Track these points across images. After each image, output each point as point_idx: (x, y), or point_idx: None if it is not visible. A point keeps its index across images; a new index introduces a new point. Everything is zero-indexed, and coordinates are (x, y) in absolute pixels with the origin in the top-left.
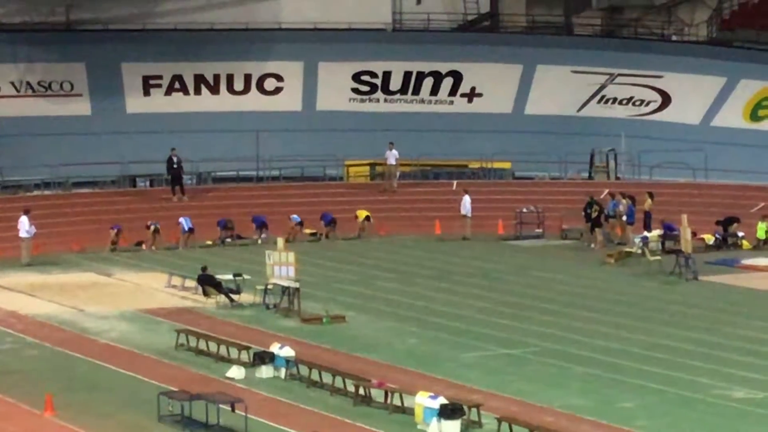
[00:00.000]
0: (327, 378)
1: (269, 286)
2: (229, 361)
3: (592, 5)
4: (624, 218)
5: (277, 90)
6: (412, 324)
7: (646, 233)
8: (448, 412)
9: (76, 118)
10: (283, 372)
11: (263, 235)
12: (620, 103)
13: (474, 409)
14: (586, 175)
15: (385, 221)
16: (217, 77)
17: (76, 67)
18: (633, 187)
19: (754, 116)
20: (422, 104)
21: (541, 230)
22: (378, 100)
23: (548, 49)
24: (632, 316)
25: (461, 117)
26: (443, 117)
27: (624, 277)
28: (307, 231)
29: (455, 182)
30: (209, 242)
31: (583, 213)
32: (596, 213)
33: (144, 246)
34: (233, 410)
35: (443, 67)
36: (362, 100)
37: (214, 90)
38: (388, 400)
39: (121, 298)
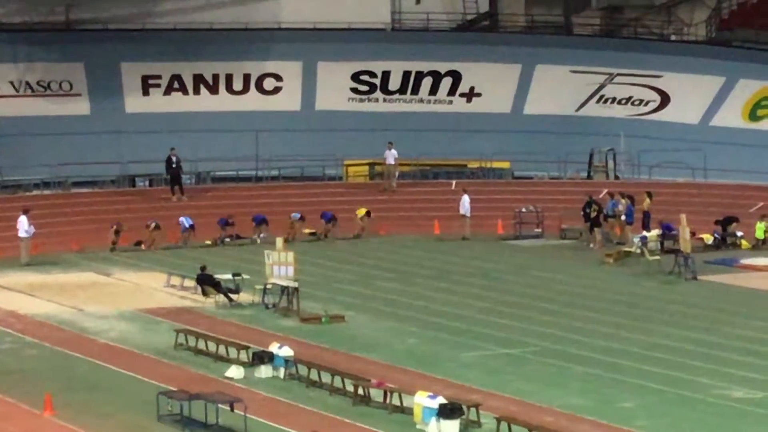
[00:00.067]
0: (326, 378)
1: (268, 286)
2: (228, 361)
3: (591, 5)
4: (623, 218)
5: (276, 90)
6: (412, 324)
7: (645, 233)
8: (447, 411)
9: (76, 118)
10: (282, 372)
11: (262, 234)
12: (619, 102)
13: (473, 409)
14: (585, 174)
15: (385, 221)
16: (216, 77)
17: (76, 67)
18: (632, 186)
19: (753, 116)
20: (421, 104)
21: (540, 230)
22: (377, 100)
23: (547, 48)
24: (631, 315)
25: (460, 117)
26: (442, 117)
27: (623, 276)
28: (307, 231)
29: (454, 182)
30: (208, 242)
31: (582, 213)
32: (595, 213)
33: (143, 245)
34: (232, 410)
35: (442, 67)
36: (361, 100)
37: (214, 90)
38: (388, 400)
39: (121, 298)
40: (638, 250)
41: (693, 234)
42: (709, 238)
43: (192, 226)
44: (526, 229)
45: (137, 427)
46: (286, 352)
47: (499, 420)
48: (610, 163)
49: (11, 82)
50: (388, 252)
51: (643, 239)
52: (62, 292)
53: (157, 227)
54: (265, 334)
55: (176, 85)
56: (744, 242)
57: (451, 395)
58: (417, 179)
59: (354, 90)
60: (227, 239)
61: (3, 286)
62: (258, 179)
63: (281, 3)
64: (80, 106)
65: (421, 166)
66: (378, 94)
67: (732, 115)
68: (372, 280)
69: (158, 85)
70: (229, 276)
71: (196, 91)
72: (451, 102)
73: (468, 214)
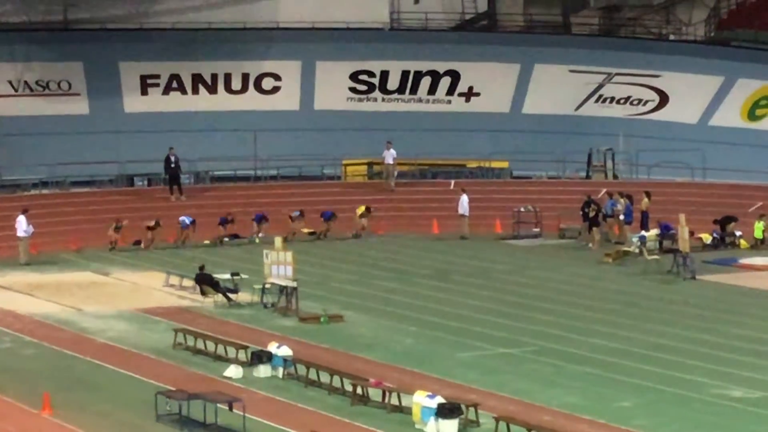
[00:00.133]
0: (325, 377)
1: (267, 286)
2: (227, 361)
3: (589, 4)
4: (622, 217)
5: (275, 89)
6: (410, 323)
7: (643, 232)
8: (445, 411)
9: (74, 118)
10: (280, 371)
11: (260, 234)
12: (618, 102)
13: (471, 409)
14: (584, 174)
15: (383, 220)
16: (214, 76)
17: (74, 67)
18: (631, 186)
19: (752, 115)
20: (420, 103)
21: (538, 229)
22: (376, 100)
23: (546, 48)
24: (630, 315)
25: (459, 116)
26: (441, 116)
27: (622, 276)
28: (305, 230)
29: (453, 181)
30: (207, 242)
31: (580, 212)
32: (594, 212)
33: (143, 244)
34: (231, 409)
35: (441, 67)
36: (360, 100)
37: (212, 89)
38: (386, 400)
39: (119, 298)
40: (637, 250)
41: (692, 233)
42: (707, 238)
43: (193, 222)
44: (525, 228)
45: (136, 426)
46: (285, 351)
47: (497, 419)
48: (609, 163)
49: (10, 82)
50: (386, 251)
51: (642, 239)
52: (61, 291)
53: (157, 224)
54: (264, 333)
55: (175, 84)
56: (743, 242)
57: (449, 395)
58: (416, 179)
59: (353, 90)
60: (226, 239)
61: (2, 286)
62: (256, 179)
63: (280, 2)
64: (79, 106)
65: (419, 165)
66: (377, 93)
67: (731, 115)
68: (371, 280)
69: (157, 85)
70: (227, 275)
71: (195, 91)
72: (449, 101)
73: (467, 214)
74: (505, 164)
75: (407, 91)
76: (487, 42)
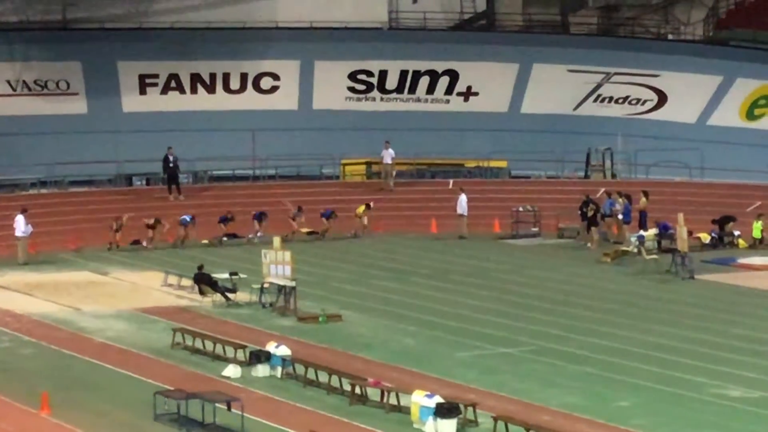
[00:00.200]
0: (323, 377)
1: (265, 285)
2: (225, 360)
3: (588, 4)
4: (620, 217)
5: (274, 89)
6: (409, 323)
7: (642, 232)
8: (444, 411)
9: (73, 117)
10: (279, 371)
11: (260, 233)
12: (616, 102)
13: (470, 408)
14: (583, 174)
15: (382, 220)
16: (213, 76)
17: (73, 66)
18: (629, 185)
19: (751, 115)
20: (418, 103)
21: (537, 229)
22: (374, 99)
23: (544, 47)
24: (628, 314)
25: (457, 116)
26: (439, 116)
27: (620, 275)
28: (304, 230)
29: (451, 181)
30: (205, 241)
31: (579, 212)
32: (592, 212)
33: (145, 242)
34: (229, 409)
35: (439, 66)
36: (358, 99)
37: (211, 89)
38: (385, 399)
39: (118, 297)
40: (635, 249)
41: (690, 233)
42: (706, 237)
43: (193, 218)
44: (524, 228)
45: (134, 426)
46: (283, 351)
47: (496, 419)
48: (608, 163)
49: (8, 81)
50: (385, 251)
51: (641, 238)
52: (59, 291)
53: (157, 222)
54: (262, 333)
55: (173, 84)
56: (741, 241)
57: (448, 394)
58: (414, 178)
59: (351, 89)
60: (224, 238)
61: (0, 286)
62: (255, 178)
63: (278, 2)
64: (77, 105)
65: (418, 165)
66: (375, 93)
67: (729, 114)
68: (369, 279)
69: (155, 84)
70: (226, 275)
71: (193, 90)
72: (448, 101)
73: (465, 214)
74: (503, 164)
75: (406, 90)
76: (485, 41)
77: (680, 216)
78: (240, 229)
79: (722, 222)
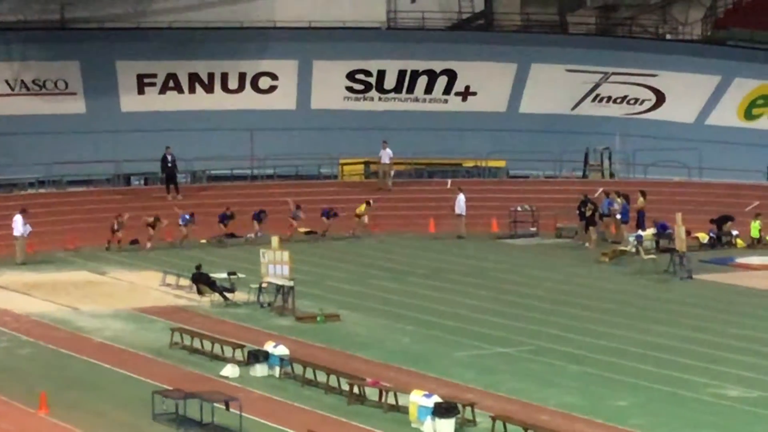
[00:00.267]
0: (321, 376)
1: (264, 285)
2: (224, 360)
3: (586, 4)
4: (618, 217)
5: (272, 88)
6: (407, 322)
7: (640, 232)
8: (442, 410)
9: (71, 117)
10: (277, 370)
11: (259, 233)
12: (615, 101)
13: (468, 408)
14: (581, 173)
15: (380, 220)
16: (211, 76)
17: (71, 66)
18: (627, 185)
19: (749, 115)
20: (416, 103)
21: (535, 229)
22: (372, 99)
23: (543, 47)
24: (626, 314)
25: (455, 115)
26: (437, 116)
27: (618, 275)
28: (302, 230)
29: (450, 181)
30: (203, 241)
31: (577, 211)
32: (590, 211)
33: (149, 245)
34: (227, 409)
35: (437, 66)
36: (357, 99)
37: (209, 88)
38: (383, 399)
39: (116, 297)
40: (633, 249)
41: (688, 233)
42: (704, 237)
43: (192, 214)
44: (522, 227)
45: (132, 425)
46: (282, 350)
47: (494, 419)
48: (606, 162)
49: (6, 81)
50: (383, 251)
51: (639, 238)
52: (57, 290)
53: (157, 220)
54: (261, 332)
55: (171, 83)
56: (739, 241)
57: (446, 394)
58: (412, 178)
59: (349, 89)
60: (222, 238)
61: None
62: (253, 178)
63: (276, 1)
64: (75, 105)
65: (416, 165)
66: (373, 93)
67: (727, 114)
68: (367, 279)
69: (153, 84)
70: (224, 275)
71: (192, 90)
72: (446, 101)
73: (463, 213)
74: (501, 163)
75: (404, 90)
76: (483, 41)
77: (678, 216)
78: (239, 228)
79: (720, 222)
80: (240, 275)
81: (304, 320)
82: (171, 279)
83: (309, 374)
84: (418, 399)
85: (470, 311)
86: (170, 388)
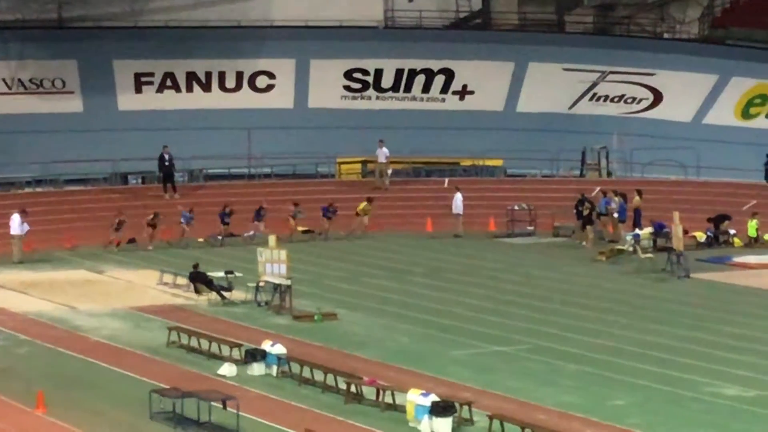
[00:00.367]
0: (318, 375)
1: (261, 284)
2: (221, 359)
3: (583, 3)
4: (615, 216)
5: (269, 87)
6: (404, 321)
7: (637, 231)
8: (439, 409)
9: (68, 116)
10: (274, 369)
11: (260, 232)
12: (612, 100)
13: (465, 407)
14: (578, 172)
15: (377, 219)
16: (208, 75)
17: (68, 65)
18: (625, 184)
19: (746, 114)
20: (414, 102)
21: (532, 228)
22: (370, 98)
23: (540, 46)
24: (624, 313)
25: (453, 114)
26: (435, 114)
27: (615, 274)
28: (300, 229)
29: (447, 180)
30: (201, 240)
31: (574, 210)
32: (588, 210)
33: (150, 246)
34: (225, 407)
35: (435, 65)
36: (354, 98)
37: (206, 87)
38: (380, 398)
39: (113, 296)
40: (631, 248)
41: (685, 232)
42: (701, 236)
43: (191, 211)
44: (519, 226)
45: (129, 424)
46: (279, 349)
47: (491, 418)
48: (603, 161)
49: (3, 80)
50: (380, 250)
51: (636, 237)
52: (54, 289)
53: (156, 217)
54: (258, 331)
55: (169, 82)
56: (736, 240)
57: (443, 393)
58: (410, 177)
59: (347, 88)
60: (219, 237)
61: None
62: (251, 177)
63: (273, 1)
64: (73, 104)
65: (413, 163)
66: (371, 91)
67: (725, 113)
68: (364, 278)
69: (151, 83)
70: (221, 274)
71: (189, 89)
72: (443, 100)
73: (461, 212)
74: (499, 162)
75: (401, 89)
76: (481, 40)
77: (675, 214)
78: (237, 227)
79: (717, 221)
80: (237, 274)
81: (301, 319)
82: (168, 278)
83: (306, 373)
84: (416, 398)
85: (467, 310)
86: (167, 386)
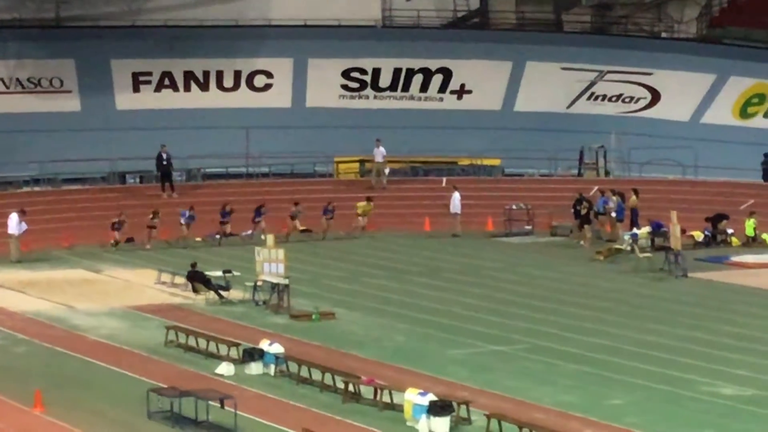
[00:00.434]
0: (316, 375)
1: (259, 283)
2: (219, 358)
3: (581, 2)
4: (613, 215)
5: (267, 87)
6: (402, 321)
7: (635, 230)
8: (437, 408)
9: (66, 115)
10: (272, 369)
11: (255, 232)
12: (610, 100)
13: (463, 406)
14: (576, 172)
15: (375, 218)
16: (206, 74)
17: (66, 64)
18: (622, 183)
19: (744, 113)
20: (412, 101)
21: (530, 227)
22: (367, 97)
23: (538, 45)
24: (621, 313)
25: (451, 114)
26: (433, 114)
27: (613, 274)
28: (299, 228)
29: (445, 179)
30: (198, 239)
31: (572, 210)
32: (585, 210)
33: (149, 246)
34: (222, 407)
35: (433, 64)
36: (352, 97)
37: (204, 87)
38: (378, 397)
39: (111, 295)
40: (628, 248)
41: (683, 231)
42: (699, 236)
43: (192, 209)
44: (517, 226)
45: (127, 423)
46: (277, 349)
47: (489, 417)
48: (601, 161)
49: (1, 79)
50: (378, 249)
51: (634, 236)
52: (52, 288)
53: (155, 215)
54: (256, 331)
55: (167, 81)
56: (734, 239)
57: (441, 392)
58: (407, 176)
59: (344, 87)
60: (217, 236)
61: None
62: (248, 176)
63: (271, 0)
64: (71, 103)
65: (411, 163)
66: (368, 91)
67: (722, 113)
68: (362, 277)
69: (149, 82)
70: (219, 273)
71: (187, 88)
72: (441, 99)
73: (458, 212)
74: (497, 162)
75: (399, 88)
76: (479, 39)
77: (673, 214)
78: (236, 226)
79: (715, 220)
80: (235, 273)
81: (299, 318)
82: (166, 277)
83: (304, 372)
84: (413, 397)
85: (465, 309)
86: (165, 386)
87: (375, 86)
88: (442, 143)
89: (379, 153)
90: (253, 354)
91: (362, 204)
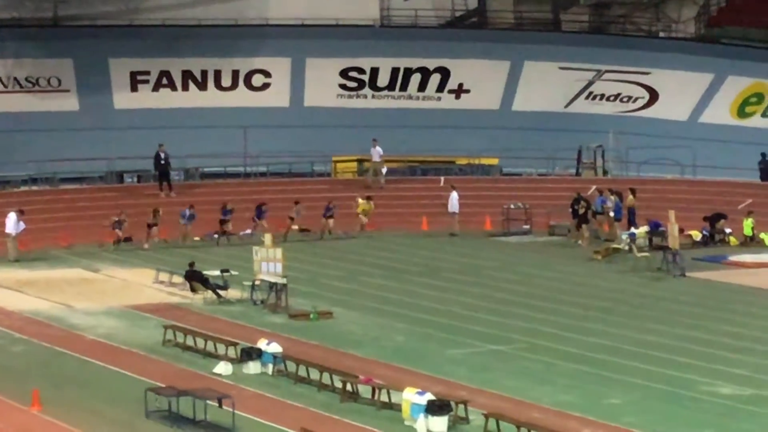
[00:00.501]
0: (314, 374)
1: (257, 282)
2: (217, 357)
3: (579, 2)
4: (611, 214)
5: (265, 86)
6: (400, 320)
7: (633, 229)
8: (435, 408)
9: (64, 114)
10: (270, 368)
11: (254, 231)
12: (608, 99)
13: (461, 406)
14: (574, 171)
15: (373, 218)
16: (204, 73)
17: (64, 63)
18: (621, 183)
19: (742, 113)
20: (410, 100)
21: (528, 226)
22: (365, 97)
23: (536, 45)
24: (619, 312)
25: (449, 113)
26: (431, 113)
27: (611, 273)
28: (297, 227)
29: (442, 178)
30: (196, 238)
31: (570, 209)
32: (583, 209)
33: (147, 245)
34: (220, 406)
35: (431, 64)
36: (350, 96)
37: (202, 86)
38: (376, 396)
39: (109, 294)
40: (626, 247)
41: (681, 230)
42: (697, 235)
43: (192, 207)
44: (515, 225)
45: (125, 423)
46: (275, 348)
47: (487, 416)
48: (599, 160)
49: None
50: (376, 248)
51: (632, 236)
52: (50, 288)
53: (156, 212)
54: (254, 330)
55: (165, 81)
56: (732, 239)
57: (439, 392)
58: (405, 176)
59: (342, 86)
60: (215, 235)
61: None
62: (246, 175)
63: None
64: (69, 102)
65: (409, 162)
66: (366, 90)
67: (720, 112)
68: (360, 277)
69: (147, 81)
70: (217, 272)
71: (185, 88)
72: (439, 98)
73: (456, 211)
74: (494, 161)
75: (397, 88)
76: (477, 39)
77: (671, 213)
78: (234, 225)
79: (713, 219)
80: (233, 272)
81: (297, 318)
82: (164, 276)
83: (302, 372)
84: (411, 396)
85: (463, 309)
86: (163, 385)
87: (373, 86)
88: (440, 143)
89: (376, 153)
90: (251, 353)
91: (363, 202)
